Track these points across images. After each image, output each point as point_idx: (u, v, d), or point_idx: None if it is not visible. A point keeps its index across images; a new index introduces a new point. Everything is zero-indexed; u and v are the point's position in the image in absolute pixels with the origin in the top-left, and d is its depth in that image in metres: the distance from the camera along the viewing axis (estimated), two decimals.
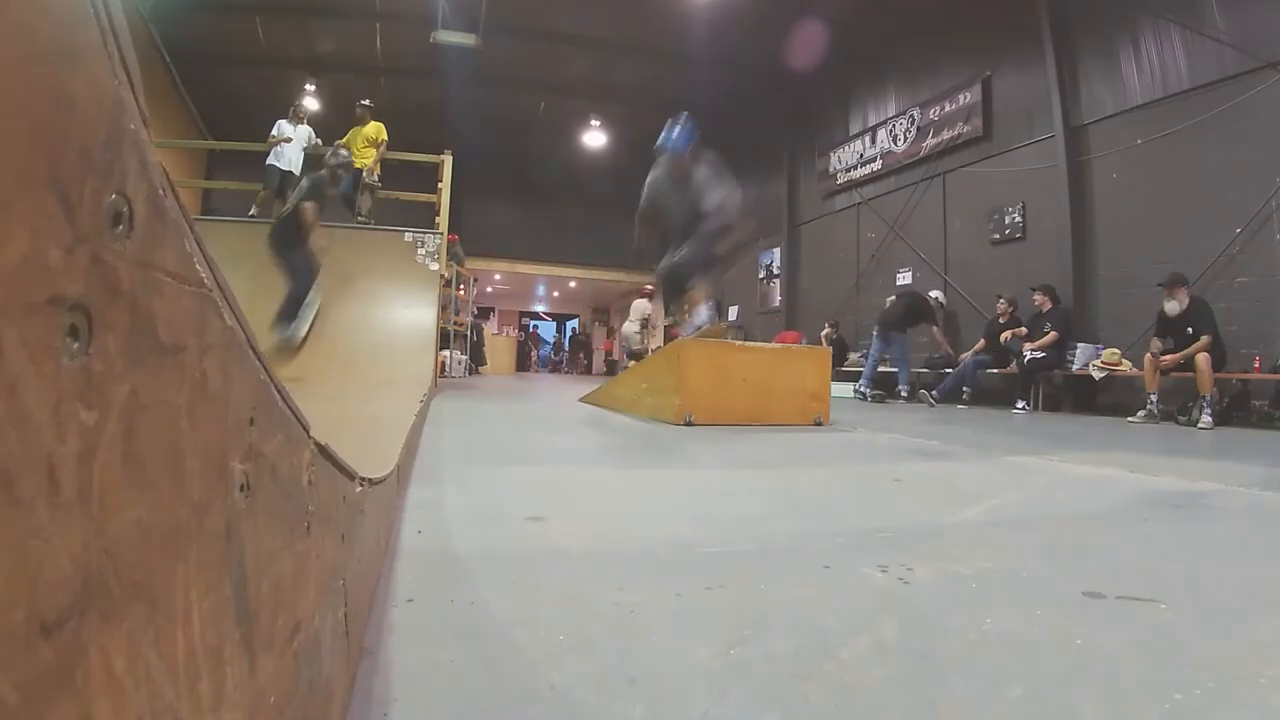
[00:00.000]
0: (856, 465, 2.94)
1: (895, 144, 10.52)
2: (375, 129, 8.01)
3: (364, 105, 8.13)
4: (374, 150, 7.91)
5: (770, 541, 1.54)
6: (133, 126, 0.30)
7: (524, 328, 26.54)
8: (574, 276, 19.67)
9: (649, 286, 14.70)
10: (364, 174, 7.76)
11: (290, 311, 5.89)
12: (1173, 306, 5.78)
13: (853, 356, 10.34)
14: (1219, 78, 6.28)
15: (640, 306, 13.43)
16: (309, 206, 5.88)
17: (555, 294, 24.79)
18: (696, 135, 4.64)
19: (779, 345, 6.23)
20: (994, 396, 7.92)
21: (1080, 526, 1.80)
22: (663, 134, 4.66)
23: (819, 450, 3.39)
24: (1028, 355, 7.10)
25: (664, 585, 1.17)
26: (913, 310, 8.33)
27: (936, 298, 8.70)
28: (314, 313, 6.18)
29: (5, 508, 0.22)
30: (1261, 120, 5.95)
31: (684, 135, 4.60)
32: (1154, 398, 5.88)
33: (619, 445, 3.47)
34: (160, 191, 0.32)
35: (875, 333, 8.46)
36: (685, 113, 4.72)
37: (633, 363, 12.79)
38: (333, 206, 8.06)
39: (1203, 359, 5.44)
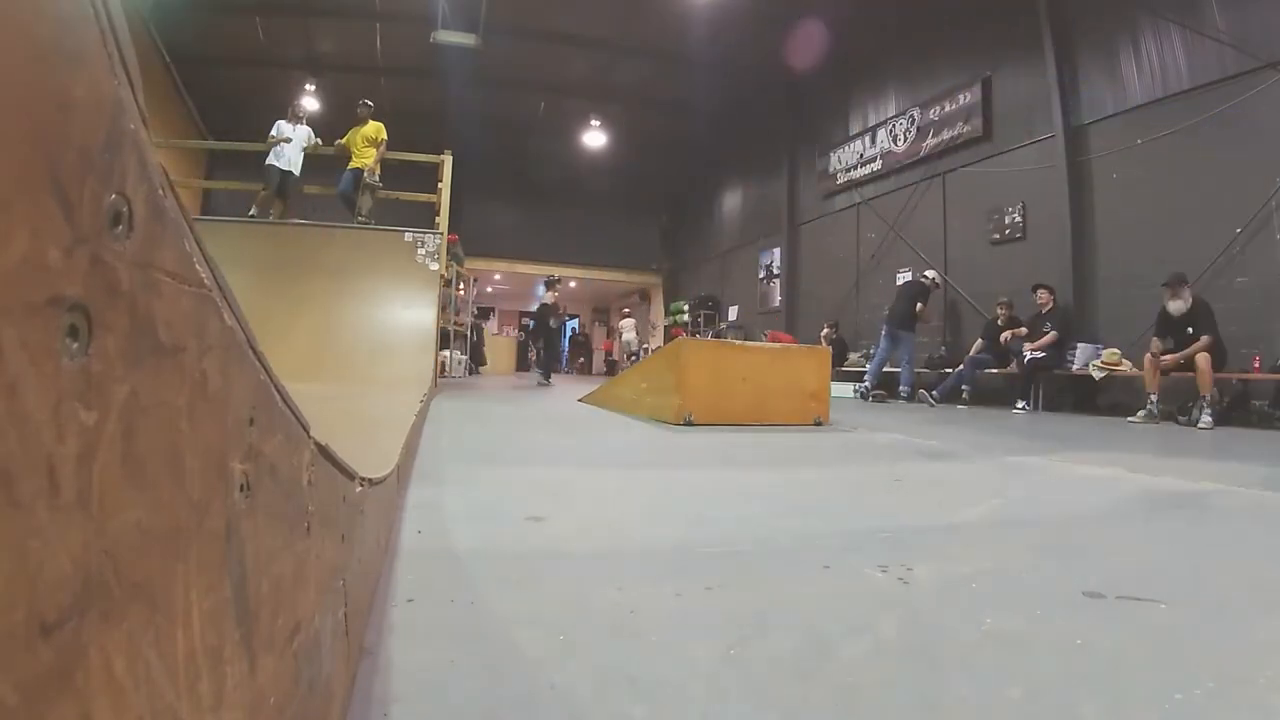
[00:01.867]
0: (856, 465, 2.94)
1: (895, 144, 10.52)
2: (375, 129, 8.01)
3: (364, 105, 8.14)
4: (374, 150, 7.92)
5: (770, 541, 1.54)
6: (133, 127, 0.30)
7: (524, 328, 26.52)
8: (574, 276, 19.67)
9: (627, 310, 16.24)
10: (364, 174, 7.77)
11: None
12: (1177, 306, 5.77)
13: (853, 357, 10.33)
14: (1219, 78, 6.27)
15: (629, 324, 15.60)
16: None
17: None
18: None
19: (778, 345, 6.23)
20: (994, 396, 7.91)
21: (1080, 526, 1.80)
22: None
23: (819, 450, 3.39)
24: (1028, 355, 7.10)
25: (664, 585, 1.17)
26: (913, 299, 8.32)
27: (932, 277, 8.68)
28: None
29: (5, 508, 0.22)
30: (1261, 120, 5.94)
31: None
32: (1154, 398, 5.87)
33: (619, 445, 3.46)
34: (160, 191, 0.32)
35: (883, 332, 8.43)
36: None
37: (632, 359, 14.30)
38: (332, 206, 8.11)
39: (1203, 359, 5.44)
